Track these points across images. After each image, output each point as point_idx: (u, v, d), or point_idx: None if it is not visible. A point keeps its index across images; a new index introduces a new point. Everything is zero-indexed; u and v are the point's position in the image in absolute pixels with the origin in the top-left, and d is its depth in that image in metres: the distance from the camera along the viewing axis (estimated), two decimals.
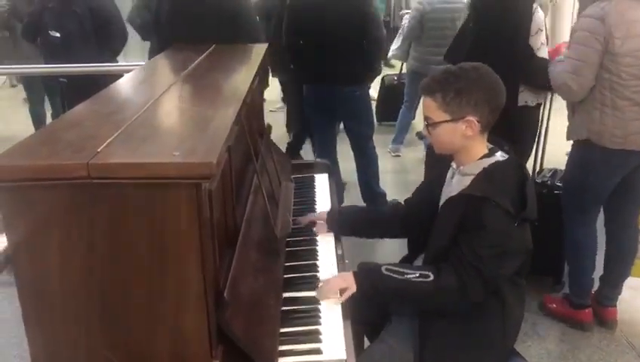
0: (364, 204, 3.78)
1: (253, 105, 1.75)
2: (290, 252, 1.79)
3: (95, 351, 1.12)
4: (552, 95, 3.06)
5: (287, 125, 5.14)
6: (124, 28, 4.25)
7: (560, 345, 2.60)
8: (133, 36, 4.39)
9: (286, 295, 1.56)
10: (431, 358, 1.61)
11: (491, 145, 1.64)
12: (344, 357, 1.35)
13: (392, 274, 1.56)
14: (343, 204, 3.48)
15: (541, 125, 3.12)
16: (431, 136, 1.63)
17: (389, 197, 3.93)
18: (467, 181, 1.58)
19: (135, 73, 1.84)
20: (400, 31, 4.97)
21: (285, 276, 1.64)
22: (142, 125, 1.22)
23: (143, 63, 2.74)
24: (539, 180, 2.96)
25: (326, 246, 1.85)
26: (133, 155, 1.05)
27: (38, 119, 5.26)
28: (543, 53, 2.71)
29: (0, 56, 5.02)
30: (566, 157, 2.66)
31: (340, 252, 1.82)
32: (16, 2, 5.02)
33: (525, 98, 2.77)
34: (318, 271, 1.69)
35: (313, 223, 1.96)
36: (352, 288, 1.56)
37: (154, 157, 1.04)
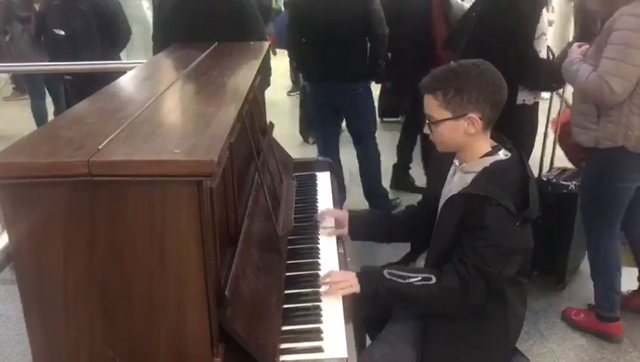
0: (366, 203, 3.78)
1: (254, 102, 1.75)
2: (292, 250, 1.79)
3: (96, 348, 1.12)
4: (563, 94, 3.03)
5: (301, 131, 5.22)
6: (127, 25, 4.26)
7: (562, 344, 2.59)
8: (136, 34, 4.40)
9: (287, 293, 1.56)
10: (433, 358, 1.61)
11: (495, 143, 1.63)
12: (345, 355, 1.35)
13: (394, 279, 1.56)
14: (345, 203, 3.48)
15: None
16: (433, 135, 1.62)
17: (392, 195, 3.93)
18: (468, 179, 1.57)
19: (137, 71, 1.83)
20: None
21: (287, 274, 1.64)
22: (143, 123, 1.22)
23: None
24: (545, 178, 2.93)
25: (328, 244, 1.85)
26: (134, 153, 1.04)
27: (39, 116, 5.26)
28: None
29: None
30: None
31: (341, 250, 1.83)
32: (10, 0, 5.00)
33: (523, 97, 2.75)
34: (319, 270, 1.69)
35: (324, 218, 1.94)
36: (355, 288, 1.56)
37: (155, 155, 1.04)
